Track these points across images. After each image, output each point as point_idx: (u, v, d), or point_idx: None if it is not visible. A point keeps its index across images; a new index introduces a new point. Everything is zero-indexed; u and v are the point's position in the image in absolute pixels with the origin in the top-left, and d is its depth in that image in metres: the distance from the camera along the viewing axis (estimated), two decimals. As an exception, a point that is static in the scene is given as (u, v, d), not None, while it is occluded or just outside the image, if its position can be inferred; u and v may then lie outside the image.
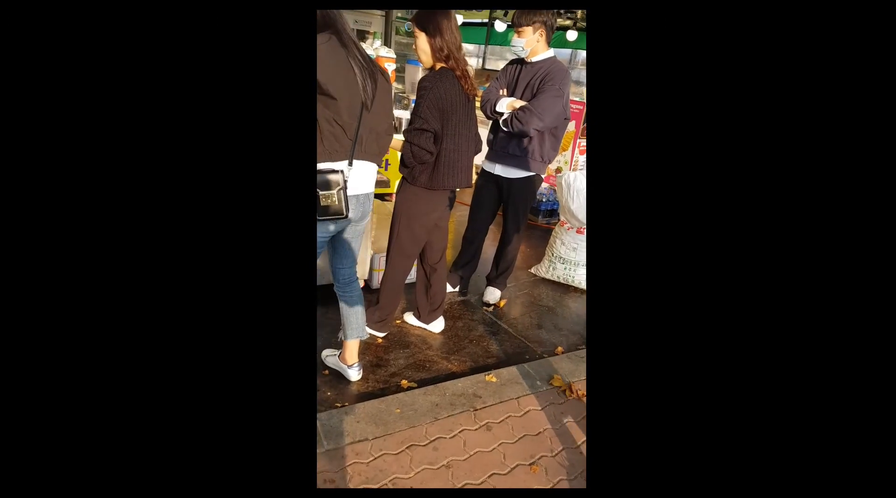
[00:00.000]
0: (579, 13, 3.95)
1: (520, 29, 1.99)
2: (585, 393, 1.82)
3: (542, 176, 2.25)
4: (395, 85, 3.78)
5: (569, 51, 6.03)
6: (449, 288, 2.59)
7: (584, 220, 2.65)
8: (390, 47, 3.60)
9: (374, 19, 5.24)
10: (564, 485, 1.41)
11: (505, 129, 2.06)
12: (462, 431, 1.56)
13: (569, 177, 2.68)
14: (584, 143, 4.02)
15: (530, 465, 1.46)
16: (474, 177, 2.05)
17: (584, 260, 2.73)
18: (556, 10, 2.12)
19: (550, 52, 2.08)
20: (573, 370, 1.96)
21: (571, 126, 4.00)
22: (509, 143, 2.12)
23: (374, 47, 3.48)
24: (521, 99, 2.05)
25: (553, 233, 2.87)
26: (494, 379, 1.84)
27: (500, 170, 2.21)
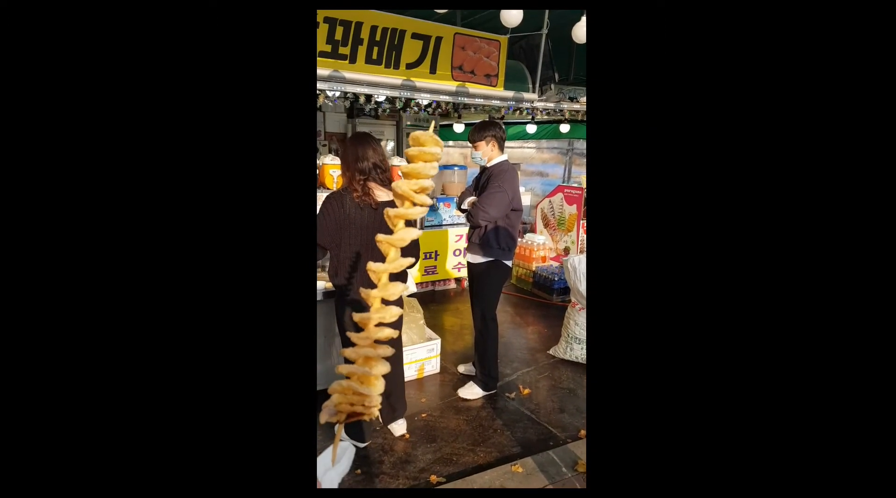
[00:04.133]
0: (567, 113, 4.39)
1: (476, 144, 2.41)
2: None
3: (506, 262, 2.45)
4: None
5: (566, 141, 6.55)
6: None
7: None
8: (402, 156, 4.05)
9: (385, 128, 5.89)
10: (596, 578, 1.43)
11: (468, 222, 2.45)
12: (492, 525, 1.61)
13: (574, 260, 2.88)
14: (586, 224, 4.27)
15: (561, 558, 1.49)
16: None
17: (599, 339, 2.83)
18: (502, 124, 2.57)
19: (503, 157, 2.45)
20: (597, 454, 1.99)
21: (573, 209, 4.29)
22: (473, 233, 2.46)
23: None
24: (479, 197, 2.42)
25: (566, 314, 3.00)
26: (520, 469, 1.89)
27: (468, 257, 2.52)
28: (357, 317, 0.55)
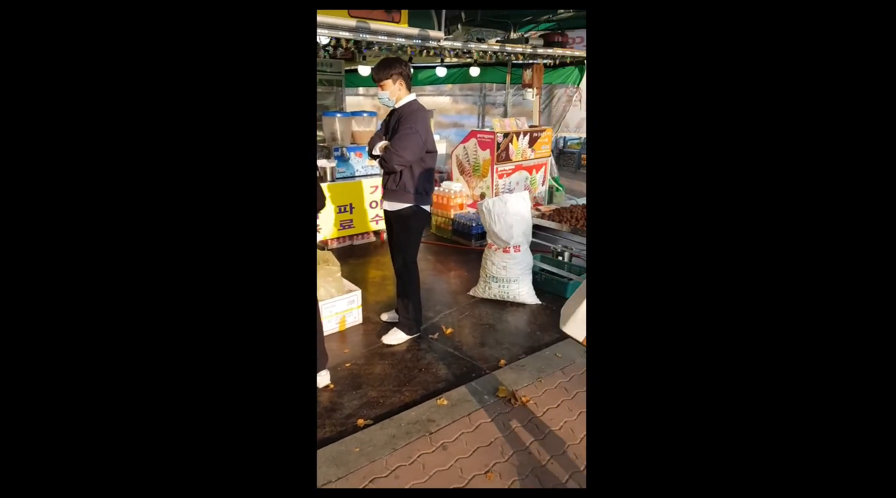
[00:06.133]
0: (475, 54, 4.32)
1: (381, 83, 2.28)
2: (529, 399, 1.99)
3: (425, 207, 2.42)
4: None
5: (478, 85, 6.53)
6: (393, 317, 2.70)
7: (508, 241, 2.89)
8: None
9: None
10: (517, 484, 1.55)
11: (381, 168, 2.35)
12: (420, 455, 1.67)
13: (488, 203, 2.92)
14: (501, 169, 4.35)
15: (485, 473, 1.59)
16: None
17: (515, 276, 2.96)
18: (408, 62, 2.47)
19: (412, 96, 2.35)
20: (516, 379, 2.13)
21: (486, 154, 4.32)
22: (388, 179, 2.38)
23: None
24: (390, 140, 2.31)
25: (483, 255, 3.08)
26: (445, 401, 1.96)
27: (385, 205, 2.44)
28: None
